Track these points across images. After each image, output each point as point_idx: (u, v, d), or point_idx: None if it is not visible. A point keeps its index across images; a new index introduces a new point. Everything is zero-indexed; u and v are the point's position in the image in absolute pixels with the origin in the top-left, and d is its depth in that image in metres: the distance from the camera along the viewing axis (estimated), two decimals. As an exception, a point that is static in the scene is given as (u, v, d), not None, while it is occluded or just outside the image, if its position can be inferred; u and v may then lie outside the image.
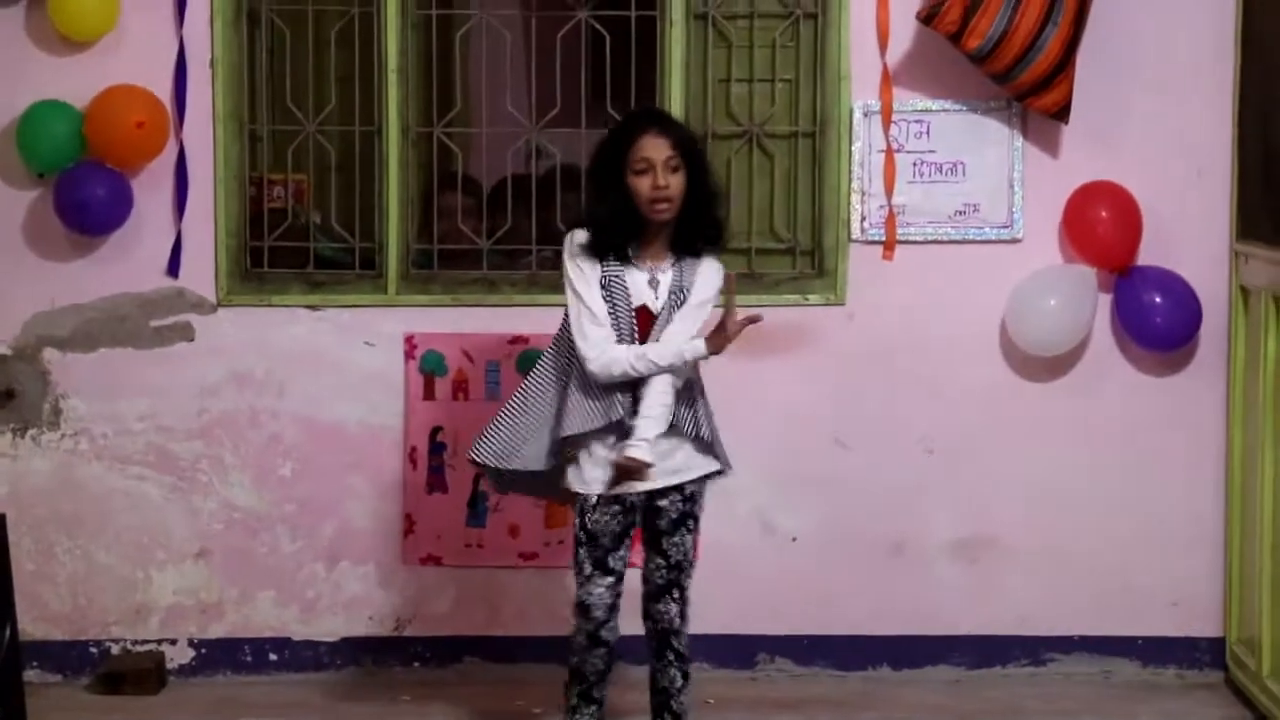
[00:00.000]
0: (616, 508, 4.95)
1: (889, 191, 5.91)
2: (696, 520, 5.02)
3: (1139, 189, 5.86)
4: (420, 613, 6.04)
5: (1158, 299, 5.85)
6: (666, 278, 4.94)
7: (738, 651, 5.98)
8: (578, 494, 4.98)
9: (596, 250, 4.91)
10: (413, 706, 5.81)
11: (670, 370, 4.89)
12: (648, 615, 5.03)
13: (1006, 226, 5.93)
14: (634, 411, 4.90)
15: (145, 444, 6.00)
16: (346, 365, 5.99)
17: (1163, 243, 5.90)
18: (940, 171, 5.92)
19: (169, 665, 6.02)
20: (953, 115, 5.91)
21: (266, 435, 6.00)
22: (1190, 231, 5.92)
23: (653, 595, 5.02)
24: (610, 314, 4.91)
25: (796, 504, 5.97)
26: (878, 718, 5.72)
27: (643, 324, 4.93)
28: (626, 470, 4.88)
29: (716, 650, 5.90)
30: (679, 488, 4.98)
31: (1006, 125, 5.91)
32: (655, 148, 4.87)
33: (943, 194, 5.92)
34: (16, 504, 5.86)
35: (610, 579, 4.96)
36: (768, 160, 5.97)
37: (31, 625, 5.90)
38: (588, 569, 4.96)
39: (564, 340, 5.01)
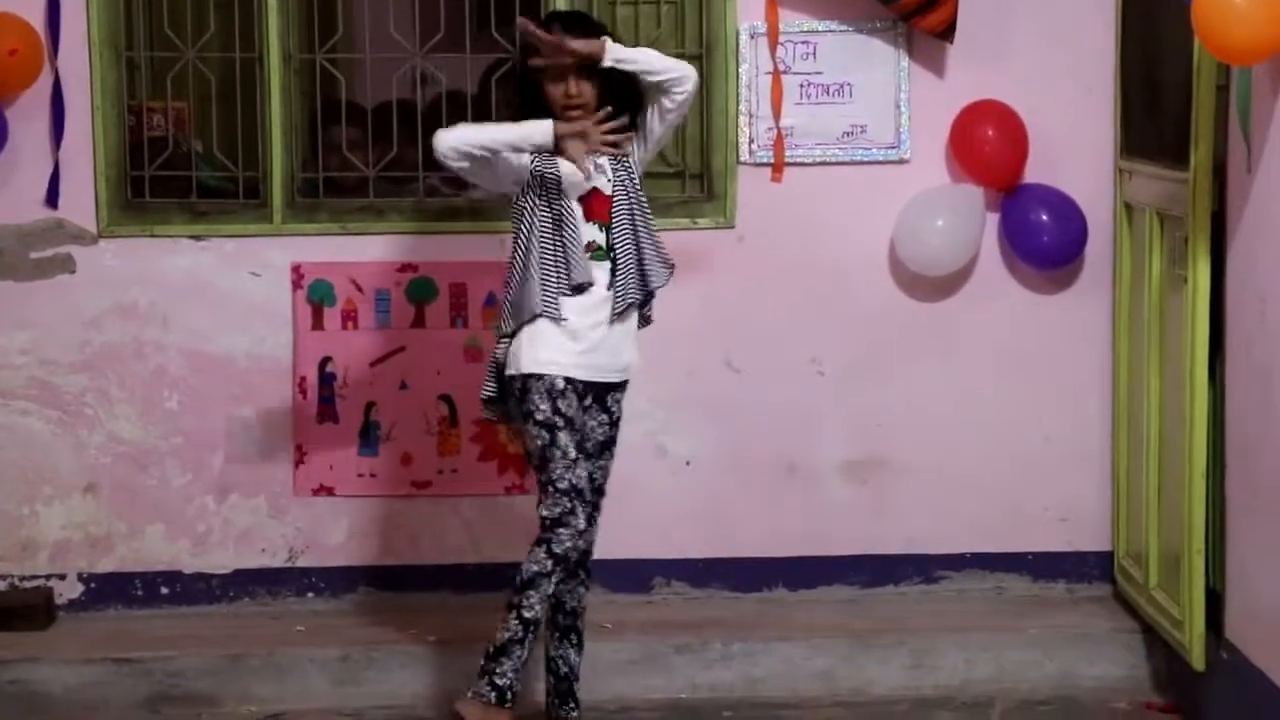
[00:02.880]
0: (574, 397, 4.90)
1: (776, 113, 5.89)
2: (615, 445, 5.07)
3: (1024, 107, 5.87)
4: (313, 543, 6.00)
5: (1044, 217, 5.87)
6: (606, 160, 4.96)
7: (633, 575, 5.98)
8: (530, 382, 4.90)
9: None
10: (307, 637, 5.78)
11: (513, 147, 4.88)
12: None
13: (894, 147, 5.93)
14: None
15: (28, 378, 5.91)
16: (232, 296, 5.91)
17: (1049, 161, 5.92)
18: (827, 93, 5.91)
19: (58, 600, 5.95)
20: (839, 36, 5.89)
21: (152, 367, 5.93)
22: (1075, 149, 5.94)
23: None
24: (545, 208, 4.90)
25: (689, 427, 5.98)
26: (774, 638, 5.75)
27: (600, 206, 4.93)
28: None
29: (612, 575, 5.89)
30: (607, 409, 5.00)
31: (892, 46, 5.90)
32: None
33: (830, 115, 5.91)
34: (-103, 443, 5.78)
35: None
36: (655, 83, 5.93)
37: (-85, 564, 5.84)
38: (572, 452, 4.87)
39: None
